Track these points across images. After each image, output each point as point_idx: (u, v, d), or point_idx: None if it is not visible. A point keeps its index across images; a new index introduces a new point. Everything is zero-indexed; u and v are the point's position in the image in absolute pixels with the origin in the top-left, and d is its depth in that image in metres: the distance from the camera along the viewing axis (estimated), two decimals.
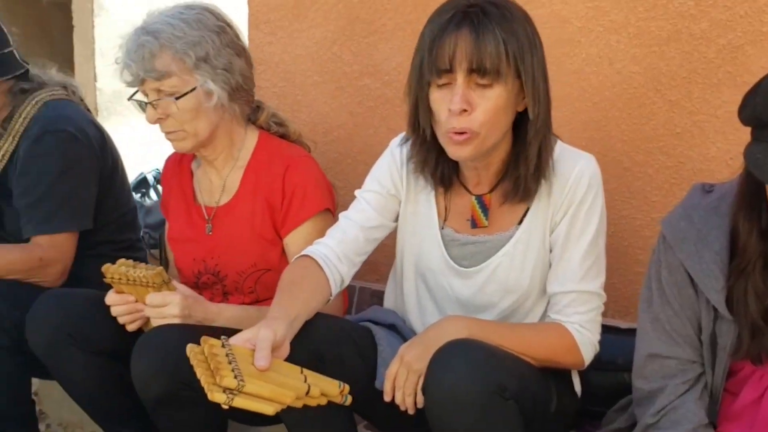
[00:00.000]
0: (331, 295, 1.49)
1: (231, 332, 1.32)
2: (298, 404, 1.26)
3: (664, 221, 1.34)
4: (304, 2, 2.22)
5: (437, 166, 1.47)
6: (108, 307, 1.61)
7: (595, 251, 1.46)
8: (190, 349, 1.24)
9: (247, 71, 1.75)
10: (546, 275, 1.50)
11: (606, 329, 1.74)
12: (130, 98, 1.72)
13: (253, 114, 1.82)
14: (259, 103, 1.84)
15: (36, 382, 1.99)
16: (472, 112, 1.34)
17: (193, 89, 1.67)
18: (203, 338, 1.25)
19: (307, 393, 1.27)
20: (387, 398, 1.42)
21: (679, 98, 1.74)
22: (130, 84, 1.69)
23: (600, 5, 1.80)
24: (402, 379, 1.40)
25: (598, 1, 1.80)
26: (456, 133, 1.35)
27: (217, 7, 1.77)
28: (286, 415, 1.45)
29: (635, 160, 1.81)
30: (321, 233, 1.69)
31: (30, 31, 4.05)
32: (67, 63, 2.31)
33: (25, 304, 1.72)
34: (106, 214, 2.04)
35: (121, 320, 1.61)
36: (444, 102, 1.35)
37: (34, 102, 1.97)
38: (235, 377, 1.18)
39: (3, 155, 1.96)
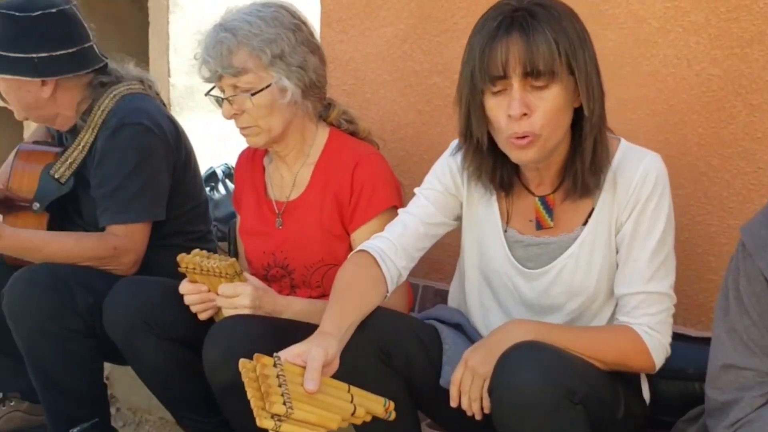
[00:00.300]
0: (387, 292, 1.50)
1: (294, 330, 1.33)
2: (344, 425, 1.26)
3: (744, 228, 1.30)
4: (376, 1, 2.23)
5: (495, 171, 1.47)
6: (182, 296, 1.66)
7: (664, 251, 1.43)
8: (243, 365, 1.25)
9: (320, 69, 1.78)
10: (613, 277, 1.47)
11: (677, 337, 1.69)
12: (207, 93, 1.77)
13: (324, 111, 1.85)
14: (330, 100, 1.87)
15: (108, 367, 2.07)
16: (532, 114, 1.33)
17: (268, 86, 1.70)
18: (256, 356, 1.25)
19: (353, 413, 1.27)
20: (453, 404, 1.42)
21: (761, 102, 1.69)
22: (207, 80, 1.74)
23: (679, 5, 1.76)
24: (467, 384, 1.39)
25: (677, 1, 1.76)
26: (518, 137, 1.35)
27: (292, 5, 1.80)
28: None
29: (712, 165, 1.76)
30: None
31: (107, 26, 4.17)
32: (140, 58, 2.37)
33: (99, 290, 1.79)
34: (179, 206, 2.09)
35: (193, 309, 1.66)
36: (501, 108, 1.34)
37: (112, 95, 2.04)
38: (284, 403, 1.18)
39: (83, 146, 2.03)
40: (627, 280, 1.44)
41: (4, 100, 2.08)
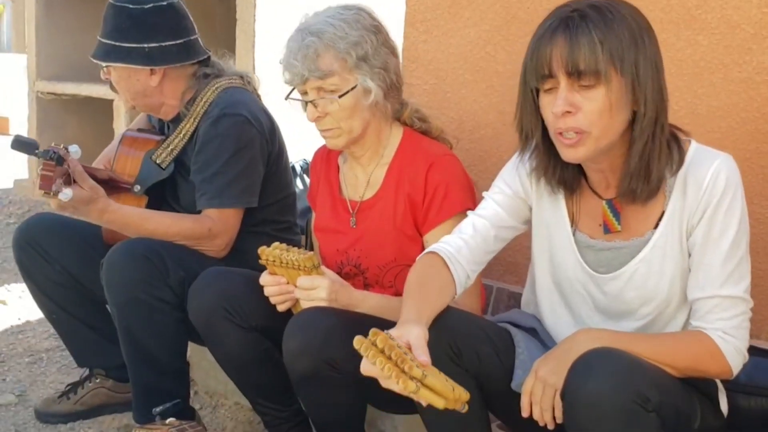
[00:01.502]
0: (455, 294, 1.51)
1: (370, 323, 1.35)
2: (454, 405, 1.27)
3: None
4: (461, 2, 2.24)
5: (555, 169, 1.47)
6: (262, 287, 1.71)
7: (738, 254, 1.39)
8: (359, 341, 1.28)
9: (398, 69, 1.80)
10: (686, 281, 1.44)
11: (761, 353, 1.65)
12: (286, 97, 1.79)
13: (397, 110, 1.86)
14: (403, 99, 1.87)
15: (188, 351, 2.14)
16: (577, 113, 1.34)
17: (354, 87, 1.72)
18: (373, 330, 1.28)
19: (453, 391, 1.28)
20: (525, 414, 1.42)
21: None
22: (290, 83, 1.76)
23: None
24: (538, 394, 1.39)
25: None
26: (565, 134, 1.36)
27: (370, 7, 1.81)
28: (426, 411, 1.49)
29: None
30: None
31: (196, 22, 4.33)
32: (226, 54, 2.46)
33: (190, 266, 1.88)
34: (270, 195, 2.16)
35: (272, 300, 1.70)
36: (550, 105, 1.37)
37: (214, 88, 2.13)
38: (418, 366, 1.22)
39: (184, 135, 2.13)
40: (700, 284, 1.41)
41: (114, 89, 2.18)
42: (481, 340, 1.48)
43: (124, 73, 2.11)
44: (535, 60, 1.37)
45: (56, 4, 4.58)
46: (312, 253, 1.65)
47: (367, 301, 1.68)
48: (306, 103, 1.75)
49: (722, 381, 1.51)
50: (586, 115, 1.34)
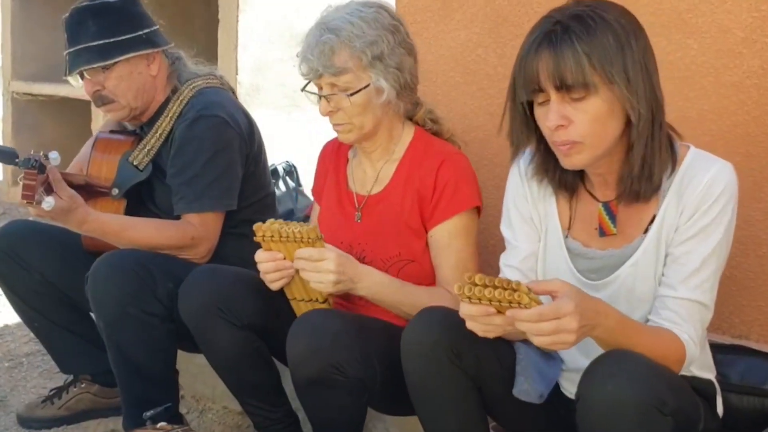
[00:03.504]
0: None
1: (376, 325, 1.31)
2: None
3: None
4: (452, 4, 2.24)
5: (555, 173, 1.48)
6: (255, 285, 1.69)
7: (715, 263, 1.40)
8: (459, 287, 1.25)
9: (414, 69, 1.80)
10: None
11: (753, 353, 1.67)
12: (302, 89, 1.79)
13: (410, 110, 1.86)
14: (417, 100, 1.88)
15: None
16: (570, 125, 1.35)
17: (367, 86, 1.72)
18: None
19: None
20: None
21: None
22: (306, 76, 1.76)
23: (767, 15, 1.73)
24: (552, 329, 1.22)
25: (765, 11, 1.72)
26: (562, 144, 1.37)
27: (390, 5, 1.82)
28: (420, 404, 1.48)
29: None
30: (467, 231, 1.70)
31: (175, 23, 4.28)
32: (206, 56, 2.44)
33: (178, 276, 1.84)
34: (249, 196, 2.15)
35: (267, 278, 1.66)
36: (544, 118, 1.38)
37: (191, 87, 2.12)
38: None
39: (160, 134, 2.11)
40: (673, 282, 1.40)
41: (100, 103, 2.10)
42: (482, 343, 1.47)
43: (125, 70, 2.07)
44: (523, 76, 1.37)
45: (32, 2, 4.50)
46: (315, 224, 1.62)
47: (371, 276, 1.67)
48: (320, 97, 1.75)
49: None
50: (580, 126, 1.35)
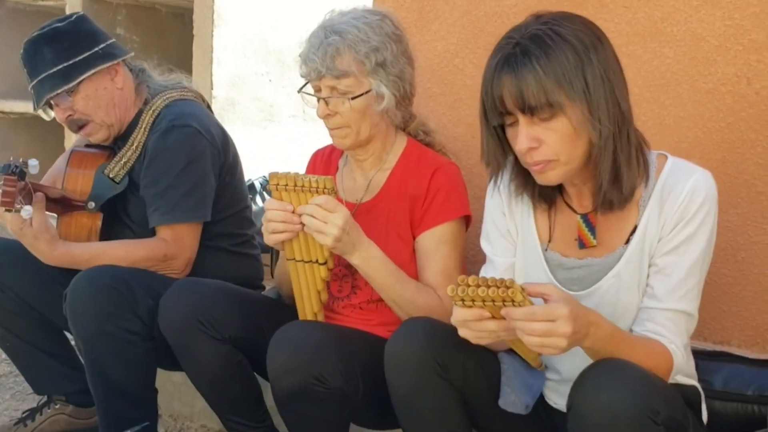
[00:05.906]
0: None
1: (358, 338, 1.28)
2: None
3: None
4: (428, 15, 2.25)
5: (534, 186, 1.48)
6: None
7: (699, 272, 1.41)
8: (451, 290, 1.23)
9: (413, 80, 1.81)
10: None
11: (735, 359, 1.68)
12: (299, 90, 1.77)
13: (404, 121, 1.86)
14: (411, 111, 1.88)
15: None
16: (541, 145, 1.35)
17: (367, 92, 1.72)
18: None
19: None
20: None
21: None
22: (305, 77, 1.74)
23: (740, 24, 1.75)
24: (544, 330, 1.21)
25: (738, 20, 1.75)
26: (535, 165, 1.37)
27: (394, 15, 1.81)
28: (406, 416, 1.47)
29: None
30: (454, 239, 1.69)
31: (149, 39, 4.25)
32: (179, 70, 2.43)
33: (159, 292, 1.81)
34: (225, 208, 2.13)
35: (270, 227, 1.60)
36: (515, 140, 1.38)
37: (164, 98, 2.10)
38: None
39: (136, 146, 2.08)
40: (658, 293, 1.41)
41: (74, 127, 2.08)
42: (468, 354, 1.46)
43: (90, 88, 2.03)
44: (489, 101, 1.36)
45: (3, 20, 4.45)
46: (331, 176, 1.60)
47: (371, 249, 1.64)
48: (318, 99, 1.74)
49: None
50: (550, 146, 1.35)
